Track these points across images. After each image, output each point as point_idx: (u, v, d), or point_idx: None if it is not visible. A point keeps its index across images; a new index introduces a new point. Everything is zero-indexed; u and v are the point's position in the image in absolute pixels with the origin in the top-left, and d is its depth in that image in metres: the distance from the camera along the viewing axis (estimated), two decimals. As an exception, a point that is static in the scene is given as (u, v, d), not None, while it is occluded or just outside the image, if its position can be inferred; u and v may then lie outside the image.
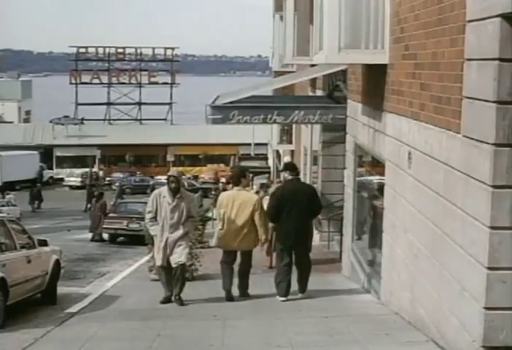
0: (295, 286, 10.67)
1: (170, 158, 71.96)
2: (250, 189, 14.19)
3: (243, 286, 11.05)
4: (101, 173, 64.39)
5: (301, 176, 23.81)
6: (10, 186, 54.56)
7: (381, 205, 9.82)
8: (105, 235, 27.19)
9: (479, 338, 5.68)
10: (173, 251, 10.42)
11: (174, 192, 10.43)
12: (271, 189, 14.48)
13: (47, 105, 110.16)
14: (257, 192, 14.49)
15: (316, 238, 19.43)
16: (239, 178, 11.01)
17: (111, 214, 27.53)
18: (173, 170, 11.08)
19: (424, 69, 7.57)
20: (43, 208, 46.00)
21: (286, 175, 11.12)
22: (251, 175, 48.62)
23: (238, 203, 10.61)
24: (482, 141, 5.64)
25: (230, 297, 10.77)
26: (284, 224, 10.39)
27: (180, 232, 10.43)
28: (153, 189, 37.24)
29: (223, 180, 41.36)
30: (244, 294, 10.98)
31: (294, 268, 10.74)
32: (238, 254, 11.14)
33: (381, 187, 10.04)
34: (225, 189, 15.31)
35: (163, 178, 62.83)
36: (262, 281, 12.41)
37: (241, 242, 10.73)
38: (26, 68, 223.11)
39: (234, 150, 68.15)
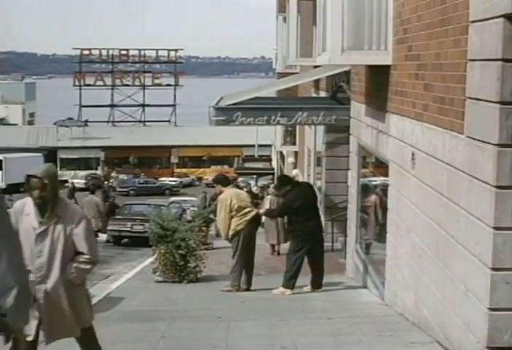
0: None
1: (174, 160, 72.06)
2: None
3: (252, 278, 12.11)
4: (113, 174, 64.51)
5: (305, 177, 23.85)
6: (15, 188, 54.69)
7: (386, 206, 9.81)
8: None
9: (483, 339, 5.67)
10: (50, 318, 5.55)
11: (41, 206, 5.62)
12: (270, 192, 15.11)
13: (50, 107, 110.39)
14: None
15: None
16: (228, 180, 12.72)
17: (116, 216, 27.59)
18: (37, 169, 5.69)
19: (427, 70, 7.57)
20: None
21: (288, 188, 11.77)
22: (255, 176, 48.19)
23: (243, 199, 12.01)
24: (485, 142, 5.64)
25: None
26: (307, 222, 11.31)
27: (54, 281, 5.56)
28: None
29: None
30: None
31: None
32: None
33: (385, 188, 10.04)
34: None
35: (167, 179, 63.37)
36: (266, 283, 12.43)
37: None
38: (30, 71, 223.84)
39: (238, 152, 68.25)
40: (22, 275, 3.75)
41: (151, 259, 14.93)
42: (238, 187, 13.54)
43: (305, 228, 11.29)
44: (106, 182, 57.43)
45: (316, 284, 11.52)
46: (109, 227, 26.80)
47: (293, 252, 11.43)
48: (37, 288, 5.51)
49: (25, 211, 5.70)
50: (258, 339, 8.05)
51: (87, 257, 5.69)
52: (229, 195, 11.85)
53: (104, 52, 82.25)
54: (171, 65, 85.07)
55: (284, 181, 12.34)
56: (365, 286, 11.50)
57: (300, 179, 26.43)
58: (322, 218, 18.83)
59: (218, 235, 18.82)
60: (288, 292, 11.28)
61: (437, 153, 7.06)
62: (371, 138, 10.79)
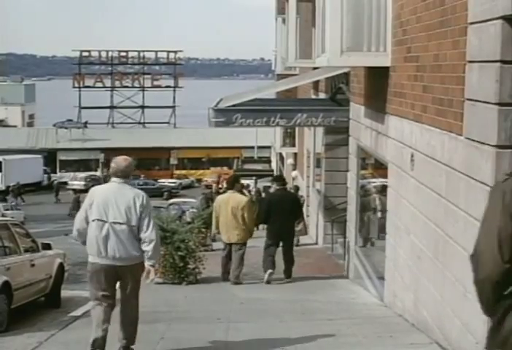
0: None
1: (173, 161, 72.01)
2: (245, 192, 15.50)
3: (238, 274, 12.78)
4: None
5: (304, 179, 23.87)
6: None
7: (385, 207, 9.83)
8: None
9: (483, 340, 5.67)
10: None
11: None
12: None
13: (50, 109, 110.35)
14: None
15: (320, 240, 19.48)
16: (233, 183, 13.27)
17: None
18: None
19: (426, 71, 7.58)
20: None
21: (274, 185, 13.76)
22: (254, 178, 48.13)
23: (231, 206, 12.66)
24: (484, 143, 5.65)
25: None
26: (273, 224, 12.93)
27: None
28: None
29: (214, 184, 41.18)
30: (238, 282, 12.68)
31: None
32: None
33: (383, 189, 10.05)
34: (218, 192, 18.24)
35: (166, 181, 63.34)
36: (267, 285, 12.47)
37: (234, 236, 12.75)
38: (29, 72, 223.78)
39: (237, 153, 68.17)
40: (158, 234, 7.02)
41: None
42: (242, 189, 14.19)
43: (270, 229, 13.09)
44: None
45: (286, 274, 12.99)
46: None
47: (264, 248, 13.06)
48: None
49: None
50: (258, 340, 8.06)
51: None
52: (220, 200, 13.16)
53: (104, 54, 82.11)
54: (170, 67, 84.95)
55: (276, 178, 14.60)
56: (364, 288, 11.51)
57: (300, 180, 26.45)
58: (322, 219, 18.92)
59: (214, 239, 18.98)
60: (266, 273, 12.72)
61: (436, 154, 7.07)
62: (370, 140, 10.80)
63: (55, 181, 58.06)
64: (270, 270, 12.77)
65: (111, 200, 6.93)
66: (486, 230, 3.03)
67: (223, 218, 12.78)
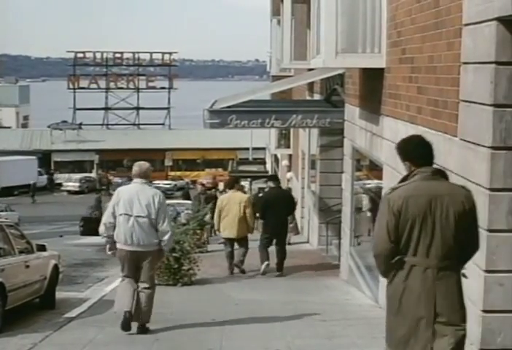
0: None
1: (168, 163, 71.98)
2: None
3: (240, 265, 13.98)
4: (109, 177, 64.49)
5: (299, 180, 23.90)
6: (8, 191, 54.62)
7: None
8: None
9: (477, 341, 5.69)
10: None
11: None
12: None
13: (44, 110, 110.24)
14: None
15: (315, 242, 19.48)
16: (233, 183, 14.88)
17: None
18: None
19: (420, 73, 7.59)
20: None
21: (270, 184, 14.92)
22: (249, 179, 48.33)
23: (233, 203, 13.94)
24: (479, 144, 5.66)
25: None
26: (269, 220, 14.02)
27: None
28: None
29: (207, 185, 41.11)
30: (241, 272, 13.95)
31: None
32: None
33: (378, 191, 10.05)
34: (204, 193, 21.48)
35: (161, 182, 63.29)
36: (262, 285, 12.47)
37: (236, 230, 13.88)
38: (24, 74, 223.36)
39: (232, 154, 68.17)
40: (171, 227, 8.66)
41: (145, 262, 14.87)
42: (242, 188, 16.27)
43: (267, 224, 14.10)
44: (103, 187, 57.76)
45: (278, 267, 13.98)
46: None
47: (260, 241, 14.16)
48: None
49: None
50: (252, 341, 8.06)
51: None
52: (223, 198, 14.41)
53: (98, 55, 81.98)
54: (165, 68, 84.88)
55: (271, 178, 16.21)
56: (358, 289, 11.52)
57: (295, 181, 26.48)
58: (317, 221, 18.93)
59: (208, 242, 19.16)
60: (263, 265, 13.81)
61: (430, 156, 7.06)
62: (365, 141, 10.81)
63: (31, 183, 58.00)
64: (266, 262, 13.80)
65: (135, 198, 8.40)
66: (379, 224, 4.82)
67: (226, 215, 13.92)
